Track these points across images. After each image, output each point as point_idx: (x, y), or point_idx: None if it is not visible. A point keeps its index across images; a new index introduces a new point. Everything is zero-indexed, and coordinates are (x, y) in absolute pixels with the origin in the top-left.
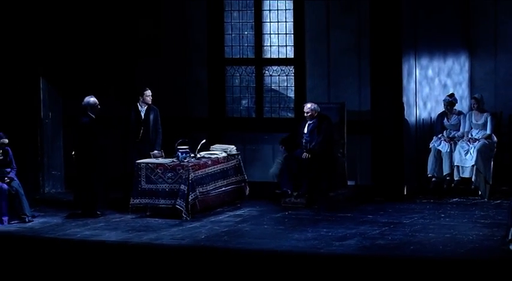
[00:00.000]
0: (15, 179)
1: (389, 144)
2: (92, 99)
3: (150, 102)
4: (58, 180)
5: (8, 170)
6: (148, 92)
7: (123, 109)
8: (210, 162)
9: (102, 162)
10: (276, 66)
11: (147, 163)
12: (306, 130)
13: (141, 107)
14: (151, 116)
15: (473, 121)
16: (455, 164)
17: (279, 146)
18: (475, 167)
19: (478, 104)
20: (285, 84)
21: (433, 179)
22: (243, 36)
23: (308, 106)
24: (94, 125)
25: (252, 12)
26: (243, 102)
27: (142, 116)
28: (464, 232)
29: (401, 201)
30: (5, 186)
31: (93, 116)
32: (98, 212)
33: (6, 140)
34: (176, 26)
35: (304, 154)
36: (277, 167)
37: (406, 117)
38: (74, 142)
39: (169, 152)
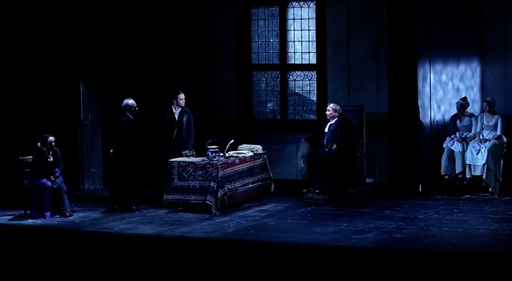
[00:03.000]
0: (60, 177)
1: (406, 144)
2: (131, 101)
3: (183, 105)
4: (96, 177)
5: (56, 169)
6: (182, 96)
7: (157, 111)
8: (237, 161)
9: (138, 160)
10: (300, 72)
11: (179, 162)
12: (327, 130)
13: (175, 109)
14: (185, 118)
15: (485, 123)
16: (467, 163)
17: (303, 140)
18: (485, 165)
19: (489, 107)
20: (308, 88)
21: (446, 177)
22: (268, 44)
23: (330, 106)
24: (131, 125)
25: (277, 21)
26: (269, 105)
27: (176, 118)
28: (476, 226)
29: (416, 197)
30: (49, 183)
31: (131, 117)
32: (134, 207)
33: (52, 138)
34: (207, 34)
35: (334, 146)
36: (303, 156)
37: (421, 119)
38: (113, 140)
39: (200, 152)
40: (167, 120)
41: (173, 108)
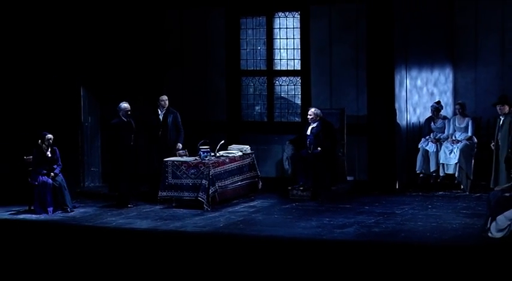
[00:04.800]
0: (60, 174)
1: (383, 144)
2: (124, 104)
3: (166, 106)
4: (96, 175)
5: (55, 167)
6: (163, 97)
7: (152, 113)
8: (227, 160)
9: (129, 159)
10: (285, 77)
11: (173, 161)
12: (309, 132)
13: (160, 111)
14: (169, 119)
15: (457, 125)
16: (440, 162)
17: (287, 142)
18: (458, 164)
19: (462, 109)
20: (293, 92)
21: (421, 175)
22: (256, 51)
23: (312, 110)
24: (123, 127)
25: (264, 30)
26: (256, 108)
27: (161, 119)
28: (449, 221)
29: (393, 194)
30: (50, 181)
31: (124, 119)
32: (130, 204)
33: (51, 135)
34: (199, 42)
35: (319, 149)
36: (287, 158)
37: (398, 121)
38: (105, 141)
39: (193, 152)
40: (153, 122)
41: (158, 111)
